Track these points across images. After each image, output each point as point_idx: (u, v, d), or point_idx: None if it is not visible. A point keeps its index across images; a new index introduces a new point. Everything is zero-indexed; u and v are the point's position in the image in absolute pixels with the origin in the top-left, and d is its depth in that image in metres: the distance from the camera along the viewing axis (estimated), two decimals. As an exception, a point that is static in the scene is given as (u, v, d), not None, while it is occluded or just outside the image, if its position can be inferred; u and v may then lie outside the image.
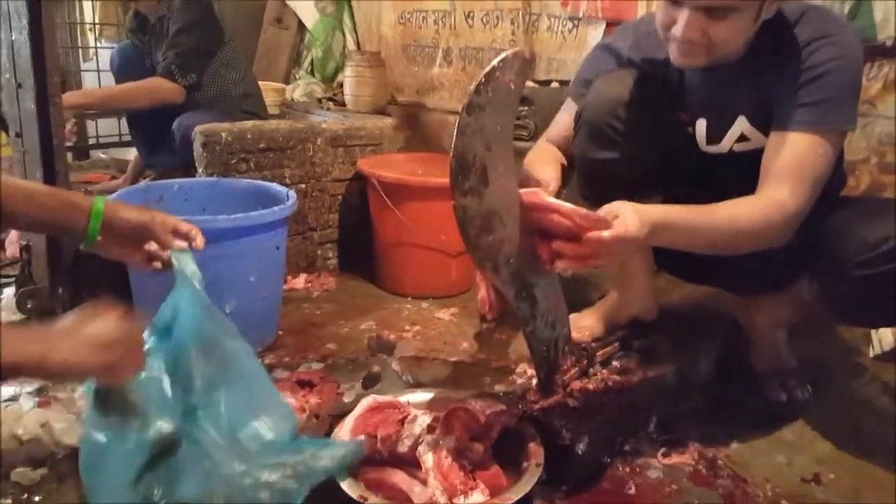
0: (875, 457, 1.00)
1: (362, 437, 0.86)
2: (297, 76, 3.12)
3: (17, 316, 1.29)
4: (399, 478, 0.82)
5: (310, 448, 0.79)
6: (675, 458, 0.98)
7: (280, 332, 1.34)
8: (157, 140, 2.01)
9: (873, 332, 1.33)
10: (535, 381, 1.00)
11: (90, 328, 0.65)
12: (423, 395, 0.99)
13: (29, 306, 1.30)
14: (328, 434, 0.91)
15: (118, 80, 2.07)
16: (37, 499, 0.83)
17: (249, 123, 1.58)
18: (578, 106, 1.07)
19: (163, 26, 1.94)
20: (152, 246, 0.84)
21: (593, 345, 1.11)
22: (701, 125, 1.05)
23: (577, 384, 0.99)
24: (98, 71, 2.80)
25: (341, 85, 2.69)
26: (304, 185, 1.62)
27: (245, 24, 3.05)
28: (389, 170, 1.56)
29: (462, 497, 0.78)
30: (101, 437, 0.70)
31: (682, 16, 0.87)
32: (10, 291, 1.34)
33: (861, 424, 1.12)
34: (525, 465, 0.85)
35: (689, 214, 0.86)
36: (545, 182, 0.90)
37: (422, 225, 1.49)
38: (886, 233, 0.88)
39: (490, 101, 0.74)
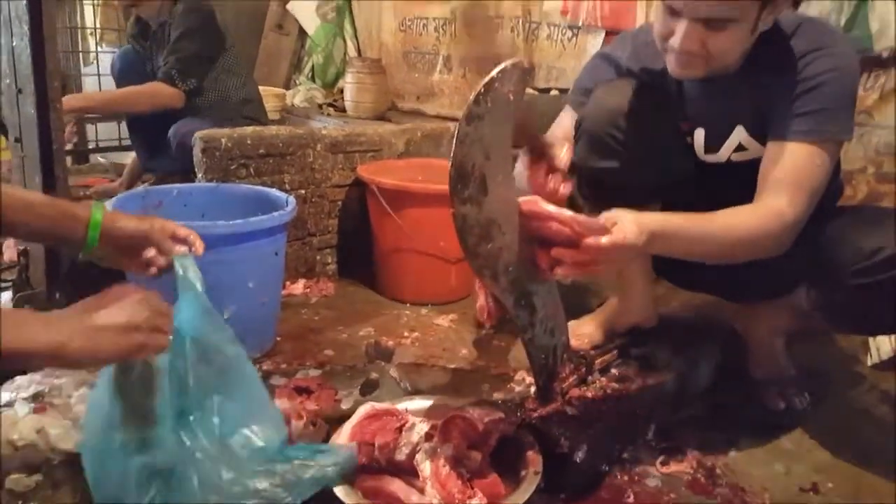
0: (873, 465, 1.00)
1: (353, 444, 0.85)
2: (297, 82, 3.13)
3: (15, 320, 1.29)
4: (396, 486, 0.82)
5: (300, 456, 0.78)
6: (673, 467, 0.98)
7: (278, 338, 1.33)
8: (157, 144, 2.01)
9: (871, 340, 1.34)
10: (533, 389, 1.00)
11: (115, 311, 0.66)
12: (422, 403, 0.99)
13: (26, 311, 1.30)
14: (325, 441, 0.91)
15: (119, 85, 2.08)
16: (31, 505, 0.82)
17: (249, 129, 1.59)
18: (578, 115, 1.08)
19: (164, 32, 1.94)
20: (150, 252, 0.84)
21: (592, 352, 1.11)
22: (699, 135, 1.06)
23: (575, 392, 0.99)
24: (98, 75, 2.82)
25: (342, 91, 2.70)
26: (303, 191, 1.62)
27: (246, 29, 3.06)
28: (389, 176, 1.56)
29: (460, 505, 0.78)
30: (114, 402, 0.73)
31: (681, 27, 0.88)
32: (7, 296, 1.34)
33: (859, 433, 1.12)
34: (523, 473, 0.85)
35: (687, 223, 0.86)
36: (559, 144, 0.90)
37: (421, 231, 1.49)
38: (883, 242, 0.88)
39: (489, 111, 0.74)
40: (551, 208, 0.79)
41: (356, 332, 1.39)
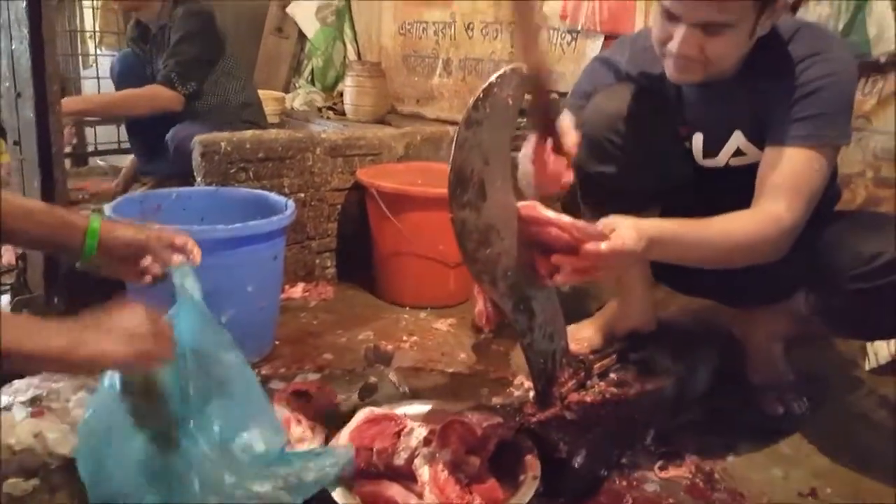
0: (872, 470, 1.00)
1: (350, 444, 0.85)
2: (297, 85, 3.13)
3: (13, 324, 1.28)
4: (395, 491, 0.82)
5: (300, 459, 0.79)
6: (672, 472, 0.98)
7: (277, 342, 1.33)
8: (156, 148, 2.01)
9: (869, 345, 1.34)
10: (532, 394, 1.00)
11: (120, 321, 0.68)
12: (420, 407, 0.99)
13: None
14: (324, 445, 0.91)
15: (118, 88, 2.08)
16: (29, 510, 0.82)
17: (248, 133, 1.59)
18: (577, 119, 1.08)
19: (164, 35, 1.95)
20: (146, 261, 0.84)
21: (591, 357, 1.11)
22: (698, 139, 1.06)
23: (574, 397, 0.99)
24: (98, 78, 2.82)
25: (341, 94, 2.70)
26: (302, 195, 1.62)
27: (246, 33, 3.07)
28: (388, 180, 1.56)
29: (458, 510, 0.78)
30: (119, 413, 0.74)
31: (679, 31, 0.88)
32: (5, 300, 1.33)
33: (858, 437, 1.12)
34: (522, 478, 0.85)
35: (685, 228, 0.87)
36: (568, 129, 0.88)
37: (420, 235, 1.49)
38: (881, 247, 0.89)
39: (488, 116, 0.75)
40: (550, 213, 0.79)
41: (355, 336, 1.39)
